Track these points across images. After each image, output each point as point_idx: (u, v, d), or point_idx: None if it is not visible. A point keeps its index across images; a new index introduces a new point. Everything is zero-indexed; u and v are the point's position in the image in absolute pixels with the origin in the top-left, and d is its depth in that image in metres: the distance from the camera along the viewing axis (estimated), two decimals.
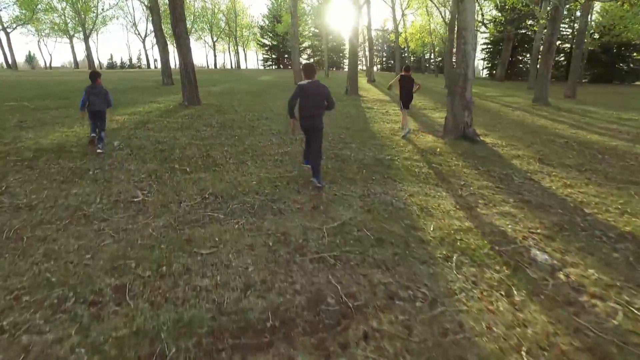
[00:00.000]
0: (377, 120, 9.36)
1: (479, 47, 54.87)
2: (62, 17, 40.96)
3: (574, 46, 14.72)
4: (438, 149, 6.33)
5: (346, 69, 33.21)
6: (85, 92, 5.28)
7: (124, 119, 8.35)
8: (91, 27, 40.37)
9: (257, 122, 8.40)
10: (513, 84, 33.63)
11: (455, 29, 7.96)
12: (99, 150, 5.42)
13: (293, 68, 20.51)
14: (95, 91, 5.37)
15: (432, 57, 63.71)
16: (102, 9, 41.67)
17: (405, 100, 7.41)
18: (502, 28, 26.02)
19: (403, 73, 7.46)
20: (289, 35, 22.54)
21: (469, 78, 6.76)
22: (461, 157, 5.89)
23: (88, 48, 39.20)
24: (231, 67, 64.61)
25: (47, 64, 54.43)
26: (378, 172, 4.96)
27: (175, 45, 10.33)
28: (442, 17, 22.54)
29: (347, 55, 77.56)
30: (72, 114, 8.87)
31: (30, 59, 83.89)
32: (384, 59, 68.21)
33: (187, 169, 4.82)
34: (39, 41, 55.04)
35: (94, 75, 5.45)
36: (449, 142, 6.88)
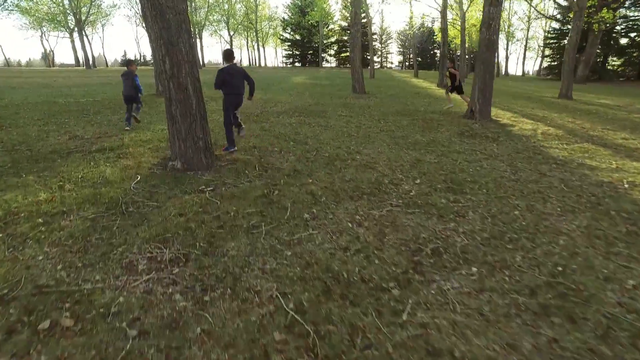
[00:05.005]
0: None
1: (533, 43, 47.08)
2: (61, 6, 35.31)
3: None
4: None
5: (372, 66, 25.58)
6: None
7: None
8: (85, 16, 34.40)
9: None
10: (603, 87, 26.14)
11: None
12: (126, 128, 6.15)
13: (352, 60, 13.28)
14: (124, 77, 6.22)
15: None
16: None
17: (459, 87, 9.52)
18: (613, 15, 18.82)
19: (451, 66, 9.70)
20: (350, 18, 15.73)
21: None
22: None
23: (82, 41, 33.30)
24: (249, 64, 58.26)
25: (51, 61, 49.31)
26: None
27: (152, 18, 3.92)
28: None
29: (378, 52, 69.89)
30: None
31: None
32: (410, 56, 59.66)
33: None
34: (41, 36, 49.96)
35: (127, 62, 6.87)
36: None
